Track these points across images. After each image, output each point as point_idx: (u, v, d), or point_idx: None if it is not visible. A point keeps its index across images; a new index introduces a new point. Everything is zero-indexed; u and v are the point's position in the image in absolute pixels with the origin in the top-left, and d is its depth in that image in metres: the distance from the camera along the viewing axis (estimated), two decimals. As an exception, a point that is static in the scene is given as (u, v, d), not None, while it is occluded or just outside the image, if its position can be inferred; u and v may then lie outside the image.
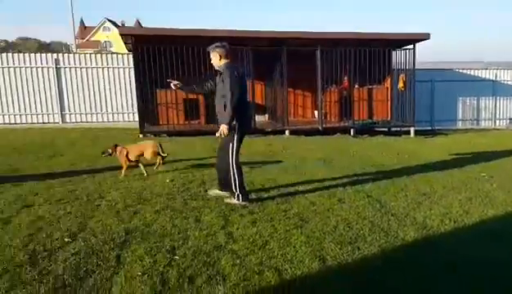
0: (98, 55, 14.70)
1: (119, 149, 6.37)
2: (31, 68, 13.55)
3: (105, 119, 14.12)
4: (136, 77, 11.41)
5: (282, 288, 3.06)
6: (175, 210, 4.72)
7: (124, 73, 14.17)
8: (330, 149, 9.67)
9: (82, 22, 72.28)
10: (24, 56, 13.78)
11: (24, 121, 13.59)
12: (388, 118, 13.36)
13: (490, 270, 3.42)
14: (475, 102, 17.09)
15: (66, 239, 3.84)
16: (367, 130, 13.01)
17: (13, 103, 13.53)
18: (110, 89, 14.12)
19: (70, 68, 13.80)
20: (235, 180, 4.92)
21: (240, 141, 4.94)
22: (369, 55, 12.18)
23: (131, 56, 14.04)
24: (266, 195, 5.37)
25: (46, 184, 5.80)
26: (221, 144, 5.13)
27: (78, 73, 13.86)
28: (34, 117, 13.70)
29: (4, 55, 13.87)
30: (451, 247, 3.88)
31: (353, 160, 8.20)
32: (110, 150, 6.37)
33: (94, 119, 14.06)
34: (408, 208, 4.96)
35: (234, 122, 4.80)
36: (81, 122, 13.88)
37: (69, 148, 9.10)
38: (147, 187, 5.73)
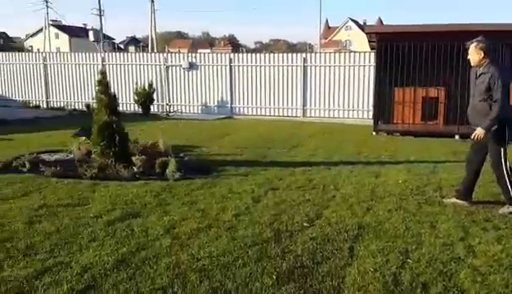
0: (341, 54, 15.35)
1: None
2: (282, 66, 15.14)
3: (340, 115, 14.66)
4: (376, 74, 11.50)
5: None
6: (408, 212, 4.61)
7: (359, 72, 14.41)
8: None
9: (327, 22, 76.54)
10: (277, 56, 15.48)
11: (273, 114, 15.28)
12: None
13: None
14: None
15: (305, 224, 4.22)
16: None
17: (265, 97, 15.38)
18: (347, 86, 14.58)
19: (315, 66, 14.82)
20: (508, 188, 4.54)
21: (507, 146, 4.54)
22: None
23: (369, 55, 14.31)
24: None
25: (288, 171, 6.45)
26: (476, 148, 4.77)
27: (322, 71, 14.76)
28: (280, 110, 15.29)
29: (258, 55, 15.96)
30: None
31: None
32: None
33: (330, 115, 14.79)
34: None
35: (495, 127, 4.43)
36: (319, 116, 14.79)
37: (309, 140, 9.84)
38: (380, 184, 5.76)
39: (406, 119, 11.51)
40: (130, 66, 16.05)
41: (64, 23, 68.75)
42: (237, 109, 15.49)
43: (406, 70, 10.63)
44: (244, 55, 16.83)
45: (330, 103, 14.80)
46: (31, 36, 74.37)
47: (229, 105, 15.49)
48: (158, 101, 15.67)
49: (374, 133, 11.06)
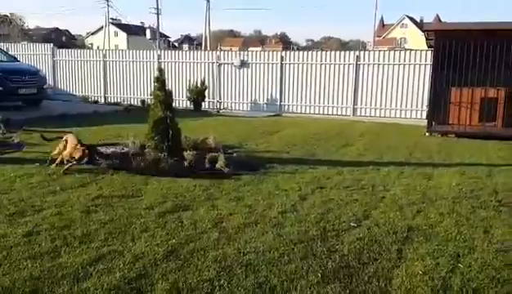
0: (395, 52, 14.99)
1: None
2: (334, 65, 14.96)
3: (392, 115, 14.31)
4: (432, 73, 11.15)
5: None
6: (461, 215, 4.46)
7: (414, 70, 13.98)
8: None
9: (381, 20, 74.72)
10: (329, 54, 15.31)
11: (322, 112, 15.14)
12: None
13: None
14: None
15: (352, 224, 4.18)
16: None
17: (314, 95, 15.26)
18: (401, 85, 14.19)
19: (368, 64, 14.54)
20: None
21: None
22: None
23: (425, 53, 13.85)
24: None
25: (337, 171, 6.39)
26: None
27: (375, 69, 14.46)
28: (330, 108, 15.13)
29: (310, 53, 15.91)
30: None
31: None
32: None
33: (382, 114, 14.46)
34: None
35: None
36: (370, 116, 14.50)
37: (359, 139, 9.69)
38: (432, 187, 5.59)
39: (463, 120, 11.06)
40: (184, 64, 16.47)
41: (123, 22, 71.55)
42: (286, 106, 15.50)
43: (465, 70, 10.28)
44: (296, 53, 16.80)
45: (382, 102, 14.48)
46: (92, 34, 78.00)
47: (278, 103, 15.53)
48: (209, 98, 15.98)
49: (427, 134, 10.72)
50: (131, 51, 17.83)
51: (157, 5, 47.47)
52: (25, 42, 27.40)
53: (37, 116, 11.08)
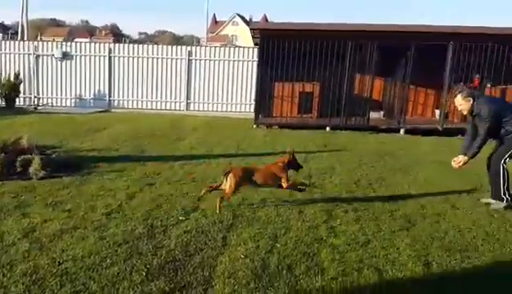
0: (226, 49, 15.54)
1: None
2: (166, 59, 14.80)
3: (224, 109, 14.87)
4: (258, 69, 11.84)
5: (380, 288, 2.98)
6: (280, 199, 4.82)
7: (243, 66, 14.74)
8: (449, 150, 8.97)
9: (214, 17, 76.58)
10: (161, 48, 15.09)
11: (154, 107, 14.90)
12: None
13: None
14: None
15: (180, 217, 4.18)
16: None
17: (146, 90, 14.91)
18: (231, 80, 14.81)
19: (200, 60, 14.77)
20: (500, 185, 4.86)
21: None
22: (508, 52, 10.97)
23: (252, 50, 14.70)
24: (373, 194, 5.24)
25: (168, 165, 6.34)
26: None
27: (207, 64, 14.77)
28: (163, 104, 14.97)
29: (141, 46, 15.48)
30: None
31: (477, 165, 7.49)
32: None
33: (214, 108, 14.89)
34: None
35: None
36: (203, 110, 14.80)
37: (191, 133, 9.78)
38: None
39: (285, 113, 12.06)
40: (-8, 55, 14.43)
41: None
42: (116, 102, 14.85)
43: (286, 66, 11.17)
44: (126, 45, 16.13)
45: (214, 96, 14.91)
46: None
47: (107, 98, 14.79)
48: (25, 94, 14.34)
49: (255, 126, 11.40)
50: None
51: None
52: None
53: None
